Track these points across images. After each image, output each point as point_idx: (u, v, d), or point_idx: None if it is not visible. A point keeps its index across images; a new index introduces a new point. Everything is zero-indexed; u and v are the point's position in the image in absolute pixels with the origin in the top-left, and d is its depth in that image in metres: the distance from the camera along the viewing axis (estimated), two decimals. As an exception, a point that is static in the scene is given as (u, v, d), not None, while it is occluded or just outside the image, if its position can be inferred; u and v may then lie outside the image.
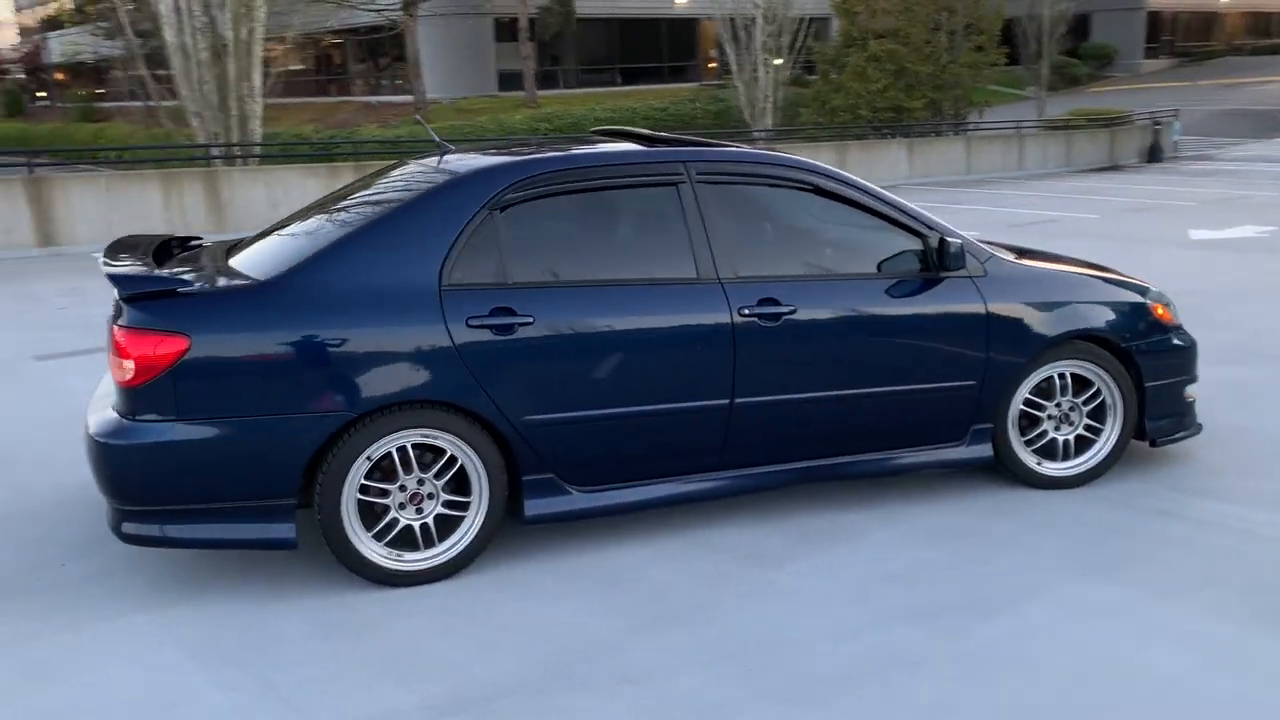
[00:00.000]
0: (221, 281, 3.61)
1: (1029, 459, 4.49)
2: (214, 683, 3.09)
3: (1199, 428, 4.86)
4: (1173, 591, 3.60)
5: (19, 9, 60.40)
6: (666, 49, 40.83)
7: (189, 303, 3.46)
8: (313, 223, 3.95)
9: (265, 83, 14.22)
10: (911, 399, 4.25)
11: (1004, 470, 4.53)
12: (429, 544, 3.71)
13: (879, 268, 4.23)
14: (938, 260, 4.15)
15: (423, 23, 35.30)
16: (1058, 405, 4.49)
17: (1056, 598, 3.57)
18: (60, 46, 55.74)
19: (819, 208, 4.26)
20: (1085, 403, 4.51)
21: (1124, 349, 4.49)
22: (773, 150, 4.97)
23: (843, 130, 21.07)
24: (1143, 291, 4.67)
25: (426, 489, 3.69)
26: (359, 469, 3.58)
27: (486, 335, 3.64)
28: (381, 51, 39.15)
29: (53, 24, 55.10)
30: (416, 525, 3.69)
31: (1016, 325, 4.33)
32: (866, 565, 3.85)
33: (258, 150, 14.32)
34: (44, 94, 59.49)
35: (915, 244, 4.24)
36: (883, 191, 4.35)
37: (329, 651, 3.27)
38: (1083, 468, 4.54)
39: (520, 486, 3.81)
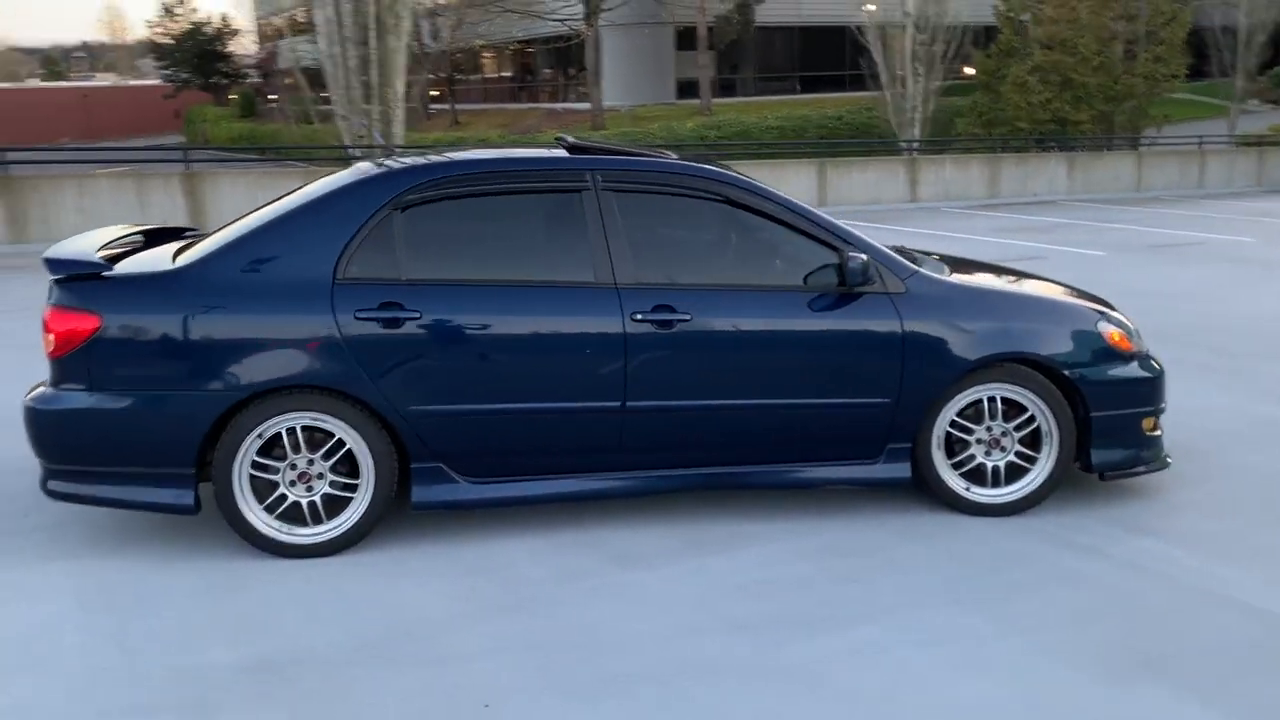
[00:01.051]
0: (143, 269, 3.98)
1: (955, 483, 4.36)
2: (78, 625, 3.44)
3: (1164, 463, 4.59)
4: (1032, 628, 3.45)
5: (261, 17, 65.24)
6: (848, 57, 40.33)
7: (103, 286, 3.84)
8: (250, 217, 4.28)
9: (412, 90, 15.01)
10: (817, 413, 4.21)
11: (929, 493, 4.42)
12: (317, 521, 3.97)
13: (805, 280, 4.21)
14: (842, 276, 4.11)
15: (607, 32, 36.19)
16: (988, 429, 4.34)
17: (902, 622, 3.49)
18: (289, 52, 60.25)
19: (734, 219, 4.28)
20: (1018, 429, 4.34)
21: (1063, 375, 4.30)
22: (726, 166, 5.00)
23: (1000, 142, 20.31)
24: (1095, 316, 4.45)
25: (316, 469, 3.95)
26: (250, 446, 3.87)
27: (374, 328, 3.88)
28: (568, 60, 40.31)
29: (285, 31, 59.20)
30: (305, 502, 3.95)
31: (937, 345, 4.22)
32: (736, 574, 3.86)
33: (397, 151, 15.13)
34: (274, 96, 64.34)
35: (834, 258, 4.21)
36: (801, 205, 4.32)
37: (192, 608, 3.57)
38: (1013, 496, 4.37)
39: (409, 473, 4.03)
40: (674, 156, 4.54)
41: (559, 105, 39.60)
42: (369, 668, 3.21)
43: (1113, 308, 4.73)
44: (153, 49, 63.87)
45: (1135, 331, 4.56)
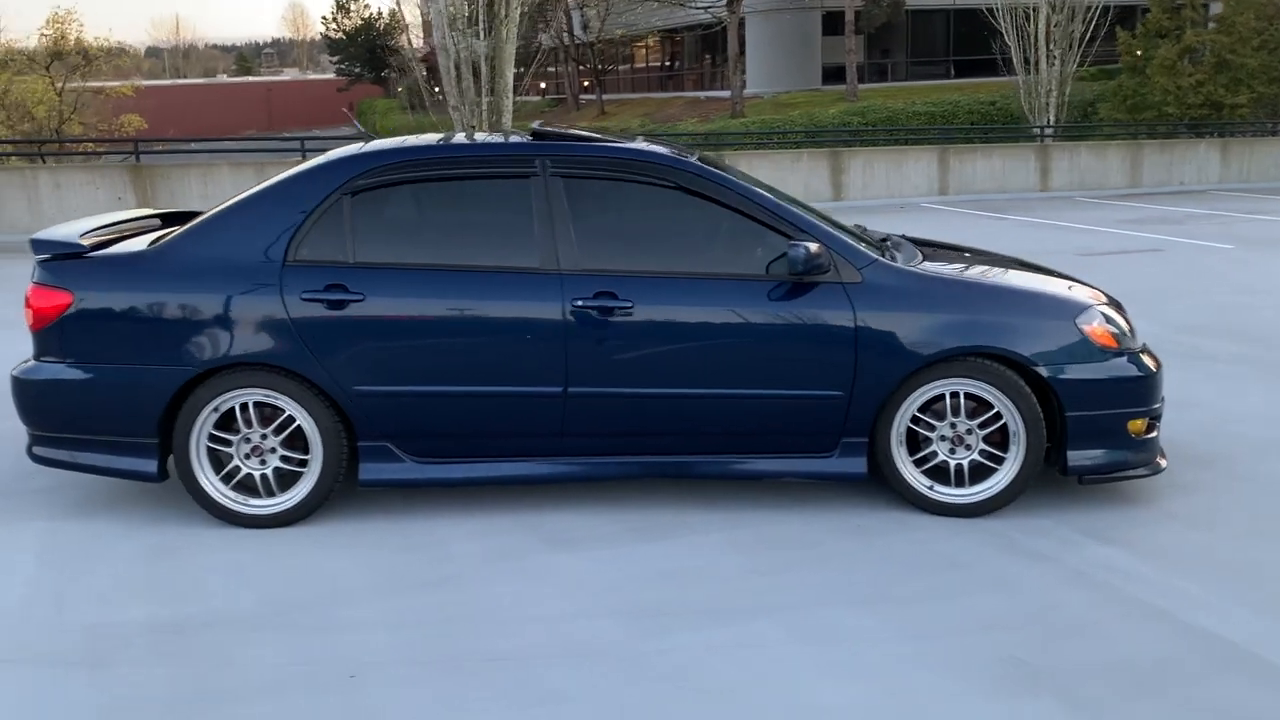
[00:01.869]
0: (119, 251, 4.24)
1: (918, 481, 4.20)
2: (28, 580, 3.71)
3: (1156, 468, 4.31)
4: (932, 634, 3.31)
5: (426, 12, 67.59)
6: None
7: (78, 266, 4.11)
8: (226, 201, 4.49)
9: (523, 81, 15.31)
10: (764, 404, 4.13)
11: (892, 491, 4.27)
12: (269, 493, 4.15)
13: (767, 269, 4.14)
14: (796, 264, 3.99)
15: (751, 18, 35.93)
16: (951, 426, 4.16)
17: (799, 619, 3.40)
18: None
19: (687, 205, 4.22)
20: (983, 426, 4.15)
21: (1034, 372, 4.09)
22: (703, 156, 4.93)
23: (1145, 128, 19.18)
24: (1075, 310, 4.20)
25: (269, 444, 4.13)
26: (207, 419, 4.08)
27: (319, 309, 4.02)
28: (714, 48, 40.22)
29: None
30: (258, 475, 4.14)
31: (892, 337, 4.07)
32: (661, 561, 3.84)
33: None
34: (439, 89, 66.72)
35: (787, 246, 4.10)
36: (760, 192, 4.24)
37: (133, 569, 3.80)
38: (978, 497, 4.18)
39: (355, 451, 4.16)
40: (654, 145, 4.47)
41: (701, 94, 39.55)
42: (265, 632, 3.35)
43: (1114, 302, 4.46)
44: (328, 44, 67.08)
45: (1125, 328, 4.29)
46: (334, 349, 4.03)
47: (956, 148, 16.92)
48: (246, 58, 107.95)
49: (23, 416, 4.22)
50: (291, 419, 4.10)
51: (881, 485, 4.30)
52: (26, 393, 4.16)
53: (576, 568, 3.80)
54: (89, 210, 12.04)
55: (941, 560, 3.84)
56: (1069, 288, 4.43)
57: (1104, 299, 4.45)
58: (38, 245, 4.17)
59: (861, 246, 4.22)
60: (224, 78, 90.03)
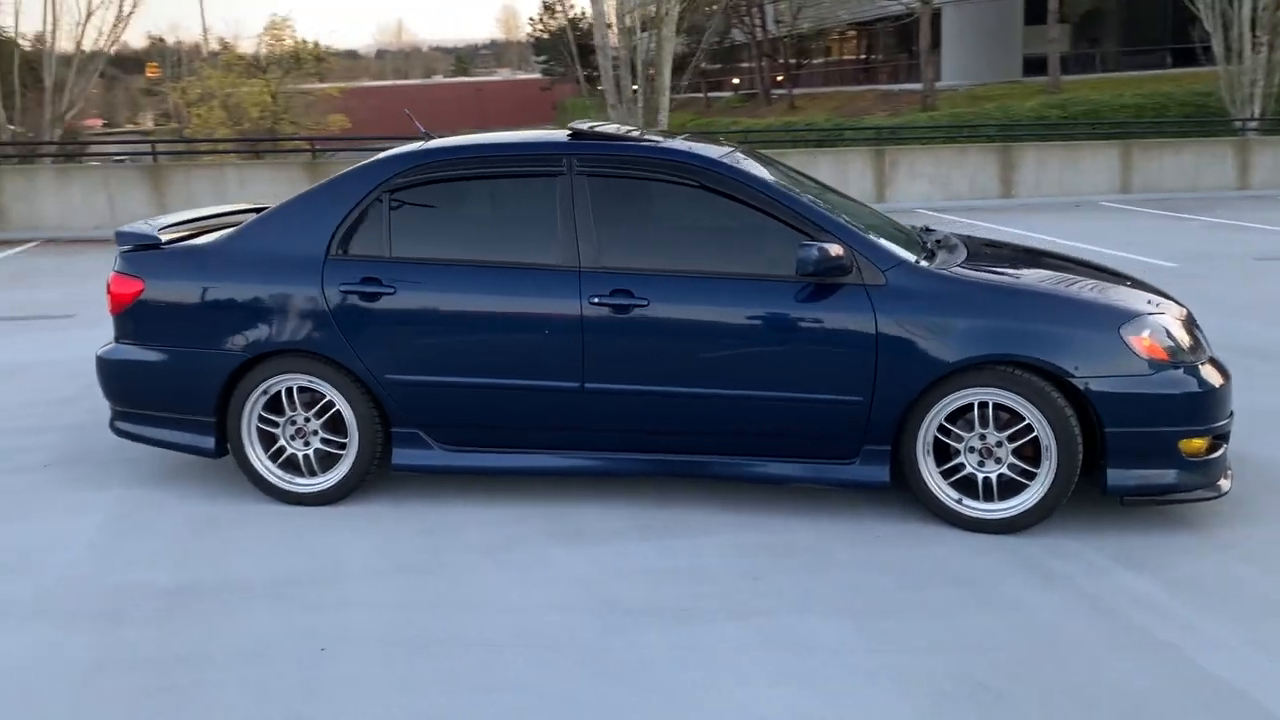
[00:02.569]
0: (188, 243, 4.58)
1: (946, 494, 4.03)
2: (85, 542, 4.07)
3: (1216, 490, 3.98)
4: (900, 650, 3.19)
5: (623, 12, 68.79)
6: (1228, 26, 35.97)
7: (151, 257, 4.48)
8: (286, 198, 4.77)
9: (682, 77, 15.39)
10: (782, 407, 4.06)
11: (920, 503, 4.12)
12: (311, 473, 4.40)
13: (791, 270, 4.07)
14: (806, 265, 3.91)
15: (948, 8, 34.80)
16: (981, 438, 3.98)
17: (770, 625, 3.35)
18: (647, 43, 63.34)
19: (711, 204, 4.19)
20: (1013, 439, 3.94)
21: (1070, 383, 3.85)
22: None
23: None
24: (1121, 318, 3.92)
25: (311, 427, 4.38)
26: (256, 401, 4.37)
27: (355, 300, 4.24)
28: (908, 40, 39.11)
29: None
30: (300, 456, 4.40)
31: (915, 343, 3.93)
32: (657, 559, 3.85)
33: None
34: (635, 87, 67.91)
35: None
36: (786, 191, 4.17)
37: (178, 538, 4.11)
38: (1008, 513, 3.98)
39: (390, 437, 4.36)
40: (684, 143, 4.47)
41: (895, 87, 38.55)
42: (263, 602, 3.57)
43: (1184, 314, 4.15)
44: (535, 45, 69.25)
45: (1185, 341, 3.98)
46: (368, 339, 4.24)
47: (1142, 143, 15.85)
48: (464, 59, 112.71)
49: (104, 393, 4.64)
50: (331, 404, 4.34)
51: (910, 497, 4.14)
52: (105, 371, 4.57)
53: (573, 561, 3.86)
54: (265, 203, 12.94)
55: (950, 577, 3.68)
56: (1125, 297, 4.14)
57: (1167, 310, 4.14)
58: (120, 237, 4.56)
59: (891, 247, 4.08)
60: (439, 78, 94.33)
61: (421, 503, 4.40)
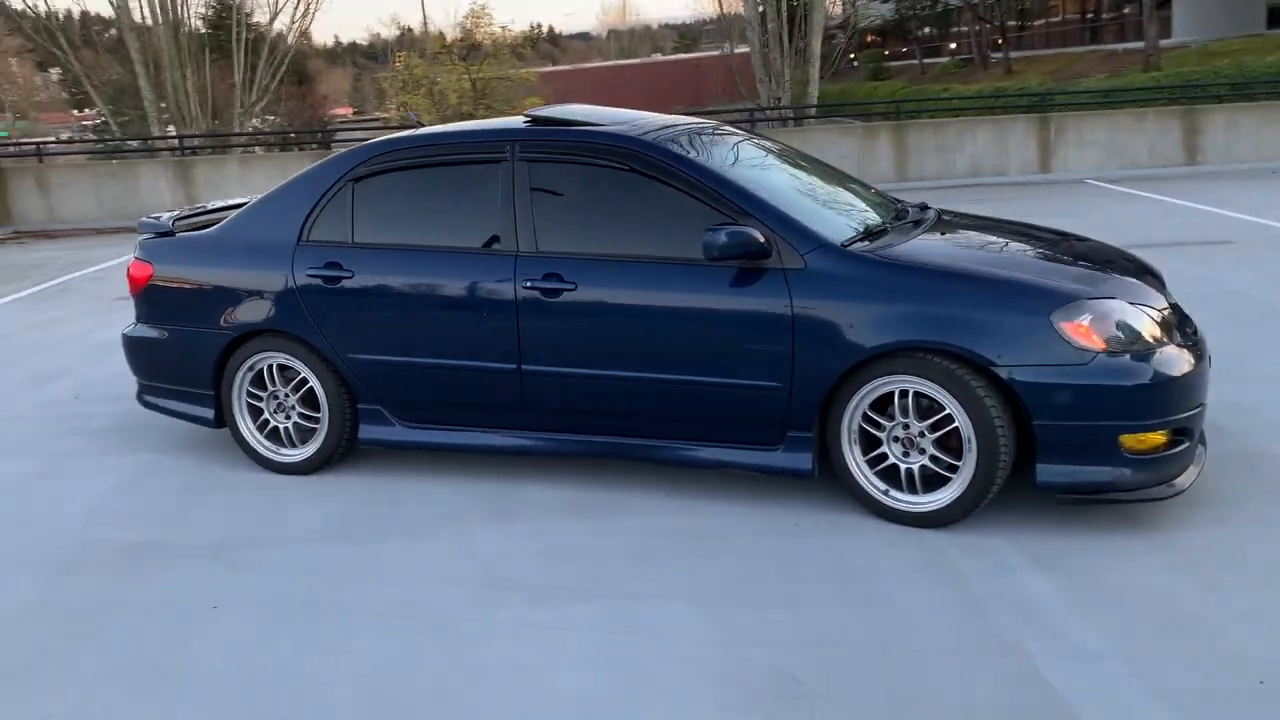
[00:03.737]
0: (193, 232, 4.98)
1: (871, 485, 3.90)
2: (89, 500, 4.55)
3: (1167, 489, 3.67)
4: (737, 641, 3.16)
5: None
6: None
7: (161, 244, 4.91)
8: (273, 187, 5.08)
9: (837, 51, 15.01)
10: (705, 392, 4.03)
11: (849, 493, 4.00)
12: (291, 445, 4.73)
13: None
14: (710, 249, 3.86)
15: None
16: (905, 428, 3.82)
17: (618, 609, 3.38)
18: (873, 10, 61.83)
19: (645, 188, 4.16)
20: (934, 429, 3.76)
21: (993, 372, 3.64)
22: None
23: None
24: (1054, 303, 3.65)
25: (290, 401, 4.71)
26: (244, 376, 4.74)
27: (319, 284, 4.51)
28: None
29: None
30: (282, 428, 4.74)
31: (831, 328, 3.80)
32: (561, 538, 3.93)
33: (812, 111, 15.28)
34: (853, 55, 66.27)
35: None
36: (720, 173, 4.09)
37: (164, 501, 4.52)
38: (929, 507, 3.81)
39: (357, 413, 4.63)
40: (616, 127, 4.37)
41: (1119, 46, 35.96)
42: (195, 561, 3.90)
43: (1153, 296, 3.86)
44: (762, 18, 68.84)
45: (1142, 328, 3.67)
46: (331, 320, 4.50)
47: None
48: (687, 35, 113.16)
49: (130, 368, 5.13)
50: (305, 381, 4.64)
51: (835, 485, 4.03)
52: (128, 349, 5.06)
53: (490, 538, 3.98)
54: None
55: (841, 570, 3.57)
56: (1073, 280, 3.83)
57: (1125, 293, 3.82)
58: (141, 226, 5.04)
59: (813, 229, 3.95)
60: (658, 56, 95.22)
61: (384, 476, 4.64)
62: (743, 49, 20.84)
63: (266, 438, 4.77)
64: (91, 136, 36.27)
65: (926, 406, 3.76)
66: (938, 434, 3.75)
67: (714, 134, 4.67)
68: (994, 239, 4.35)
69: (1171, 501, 3.84)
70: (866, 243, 4.00)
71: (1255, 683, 2.80)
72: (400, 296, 4.41)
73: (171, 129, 17.75)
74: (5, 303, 9.31)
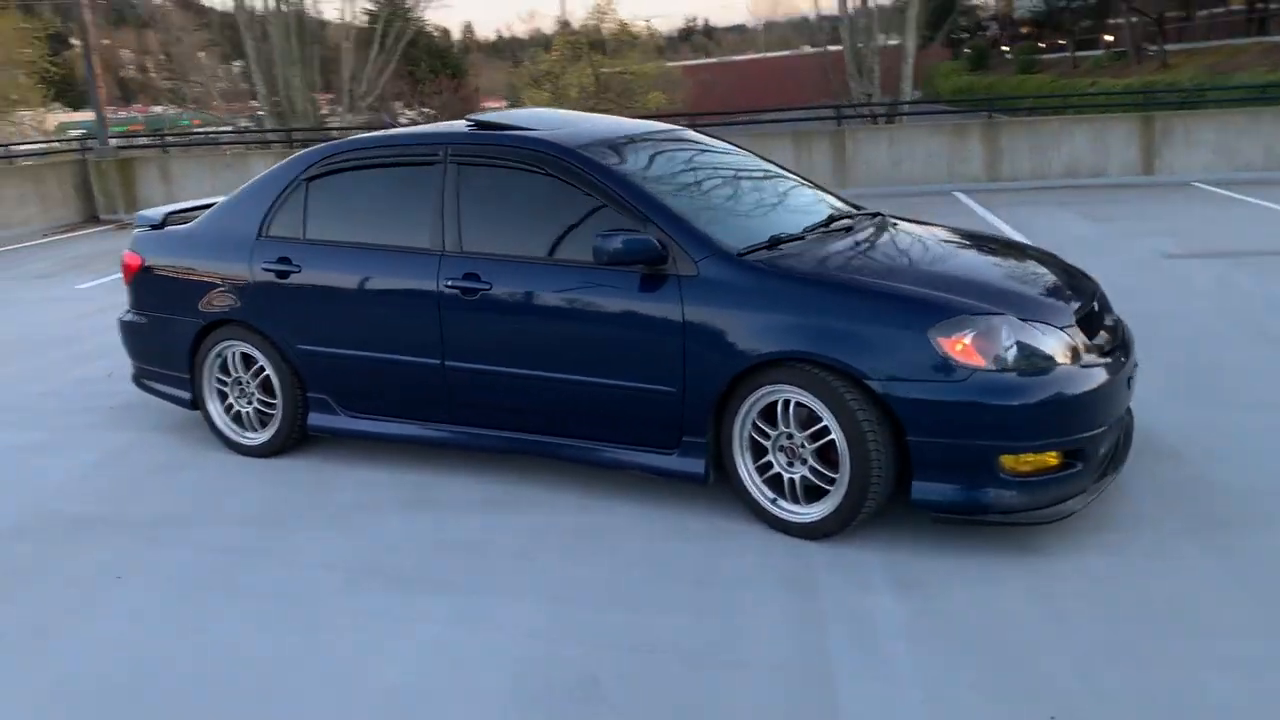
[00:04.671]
0: (176, 225, 5.30)
1: (760, 493, 3.89)
2: (64, 472, 4.91)
3: (1051, 513, 3.56)
4: (542, 635, 3.22)
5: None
6: None
7: (149, 236, 5.26)
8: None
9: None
10: (606, 393, 4.08)
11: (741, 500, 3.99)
12: (253, 429, 5.01)
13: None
14: (600, 255, 3.91)
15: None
16: (789, 437, 3.80)
17: (470, 604, 3.47)
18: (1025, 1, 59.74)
19: (560, 191, 4.23)
20: (813, 440, 3.72)
21: (868, 385, 3.59)
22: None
23: None
24: (933, 317, 3.57)
25: (250, 388, 4.98)
26: (213, 362, 5.03)
27: (271, 277, 4.76)
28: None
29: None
30: (244, 412, 5.01)
31: (718, 335, 3.81)
32: (461, 532, 4.04)
33: (906, 109, 14.90)
34: (1006, 48, 64.04)
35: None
36: (626, 177, 4.13)
37: (131, 476, 4.83)
38: (807, 518, 3.78)
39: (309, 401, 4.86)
40: (545, 133, 4.43)
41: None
42: (124, 536, 4.18)
43: (1060, 313, 3.73)
44: (902, 11, 67.42)
45: (1029, 345, 3.55)
46: (281, 312, 4.75)
47: None
48: (837, 27, 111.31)
49: (126, 351, 5.51)
50: (263, 369, 4.90)
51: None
52: (122, 332, 5.43)
53: (395, 528, 4.13)
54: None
55: (710, 576, 3.58)
56: (962, 296, 3.72)
57: (1021, 309, 3.70)
58: (138, 219, 5.40)
59: (710, 236, 3.95)
60: (806, 49, 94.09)
61: (331, 463, 4.85)
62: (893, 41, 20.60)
63: (233, 421, 5.06)
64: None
65: (807, 417, 3.73)
66: (816, 445, 3.72)
67: (662, 141, 4.73)
68: (917, 251, 4.26)
69: (1067, 526, 3.71)
70: (766, 251, 3.98)
71: (1046, 718, 2.71)
72: (340, 292, 4.61)
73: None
74: (88, 287, 10.02)
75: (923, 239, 4.44)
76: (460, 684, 3.02)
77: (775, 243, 4.07)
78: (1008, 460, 3.52)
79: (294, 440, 4.93)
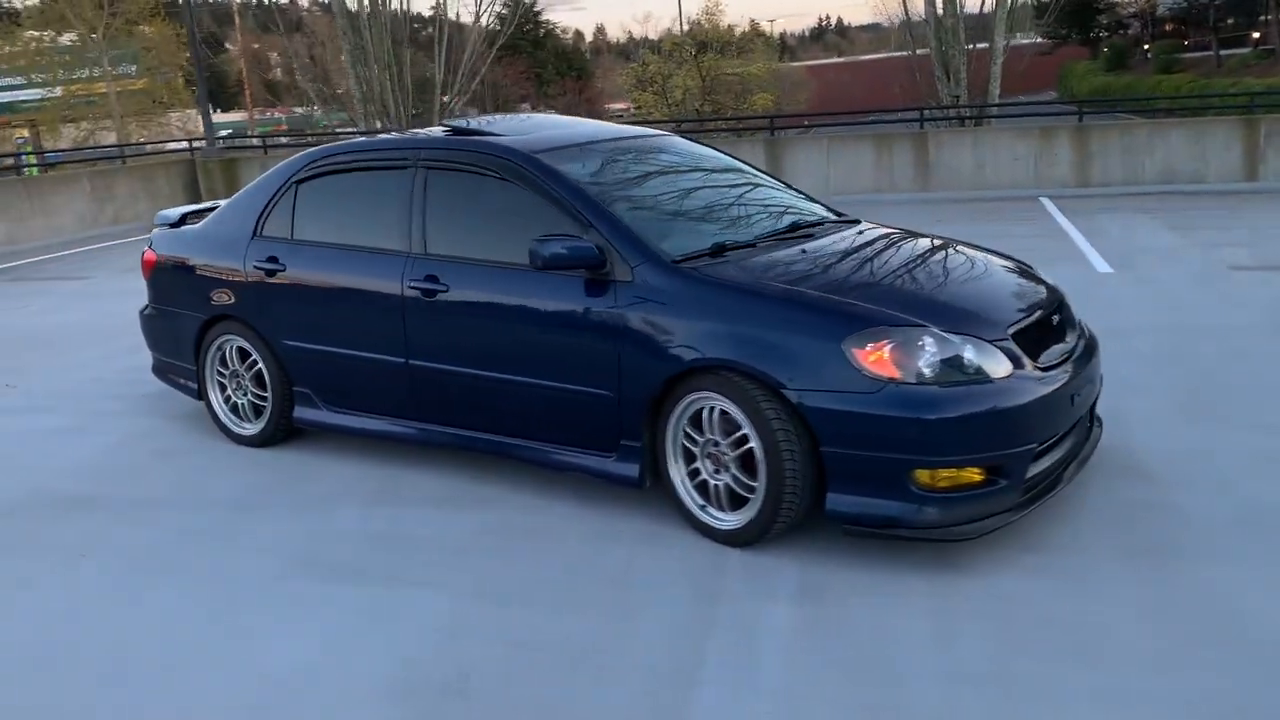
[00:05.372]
0: (188, 225, 5.57)
1: (690, 499, 3.90)
2: (77, 456, 5.23)
3: (963, 531, 3.47)
4: (441, 630, 3.30)
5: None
6: None
7: (166, 234, 5.56)
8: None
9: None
10: (550, 394, 4.15)
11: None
12: (248, 420, 5.25)
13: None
14: (535, 259, 3.97)
15: None
16: (716, 444, 3.80)
17: (376, 593, 3.59)
18: (1167, -2, 57.12)
19: (515, 195, 4.30)
20: (735, 447, 3.72)
21: (784, 395, 3.57)
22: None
23: None
24: (850, 328, 3.52)
25: (245, 380, 5.22)
26: (214, 355, 5.29)
27: (261, 275, 4.98)
28: None
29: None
30: (240, 403, 5.26)
31: (649, 341, 3.84)
32: (403, 525, 4.16)
33: (994, 111, 14.45)
34: (1146, 46, 61.35)
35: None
36: (581, 186, 4.18)
37: (136, 460, 5.12)
38: (729, 525, 3.78)
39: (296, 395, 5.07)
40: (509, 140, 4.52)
41: None
42: (107, 514, 4.44)
43: (990, 327, 3.65)
44: (1035, 7, 65.26)
45: (954, 359, 3.49)
46: (269, 308, 4.97)
47: None
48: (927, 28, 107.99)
49: (146, 343, 5.83)
50: (256, 362, 5.13)
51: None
52: (141, 325, 5.75)
53: (349, 519, 4.26)
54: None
55: (625, 579, 3.60)
56: (905, 303, 3.66)
57: (959, 323, 3.62)
58: (158, 218, 5.71)
59: (647, 243, 3.97)
60: (919, 50, 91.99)
61: (315, 455, 5.04)
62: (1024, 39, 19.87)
63: (231, 411, 5.31)
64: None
65: (730, 425, 3.72)
66: (738, 453, 3.71)
67: (639, 148, 4.79)
68: (865, 260, 4.18)
69: (996, 543, 3.62)
70: (708, 259, 3.98)
71: (888, 737, 2.67)
72: (320, 290, 4.80)
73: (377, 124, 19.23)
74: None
75: (879, 247, 4.36)
76: (339, 674, 3.12)
77: (719, 250, 4.07)
78: (922, 475, 3.45)
79: (284, 432, 5.14)
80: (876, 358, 3.47)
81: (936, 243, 4.55)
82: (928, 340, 3.51)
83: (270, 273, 4.94)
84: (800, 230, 4.45)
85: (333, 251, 4.78)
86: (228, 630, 3.42)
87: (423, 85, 20.77)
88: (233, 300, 5.10)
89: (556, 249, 3.91)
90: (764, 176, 5.09)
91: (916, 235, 4.67)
